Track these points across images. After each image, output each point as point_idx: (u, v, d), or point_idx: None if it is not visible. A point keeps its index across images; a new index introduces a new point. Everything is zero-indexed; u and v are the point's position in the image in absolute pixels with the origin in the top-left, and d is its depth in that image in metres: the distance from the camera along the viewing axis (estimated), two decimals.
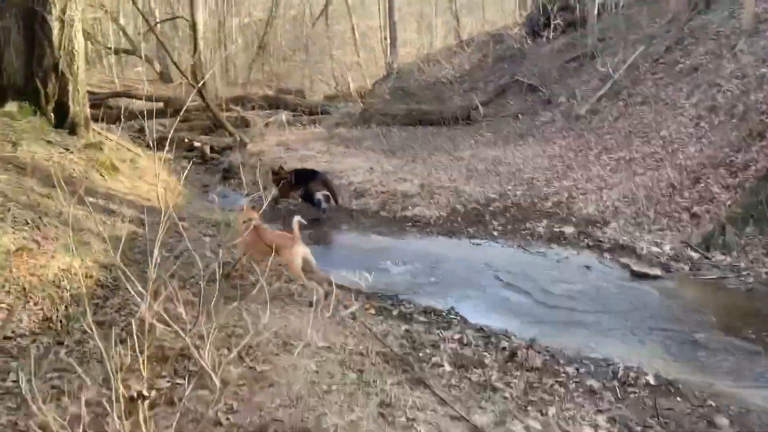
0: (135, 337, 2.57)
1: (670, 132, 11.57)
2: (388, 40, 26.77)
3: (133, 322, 2.69)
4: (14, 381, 3.87)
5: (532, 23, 21.23)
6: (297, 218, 6.20)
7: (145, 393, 2.23)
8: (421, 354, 5.08)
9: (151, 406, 3.65)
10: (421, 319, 6.18)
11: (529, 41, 20.73)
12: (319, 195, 10.48)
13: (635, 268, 7.69)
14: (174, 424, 2.68)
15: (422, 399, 4.20)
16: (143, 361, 2.58)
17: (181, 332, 2.61)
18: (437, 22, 29.91)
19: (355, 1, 31.78)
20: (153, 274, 2.78)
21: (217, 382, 2.47)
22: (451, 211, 10.55)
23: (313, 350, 4.73)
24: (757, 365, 5.42)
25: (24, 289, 4.85)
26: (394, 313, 6.22)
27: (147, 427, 2.41)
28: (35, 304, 4.79)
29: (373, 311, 6.05)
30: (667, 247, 8.20)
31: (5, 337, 4.28)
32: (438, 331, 5.76)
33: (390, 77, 23.02)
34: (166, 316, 2.66)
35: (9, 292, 4.72)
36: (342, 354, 4.76)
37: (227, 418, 3.65)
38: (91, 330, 2.52)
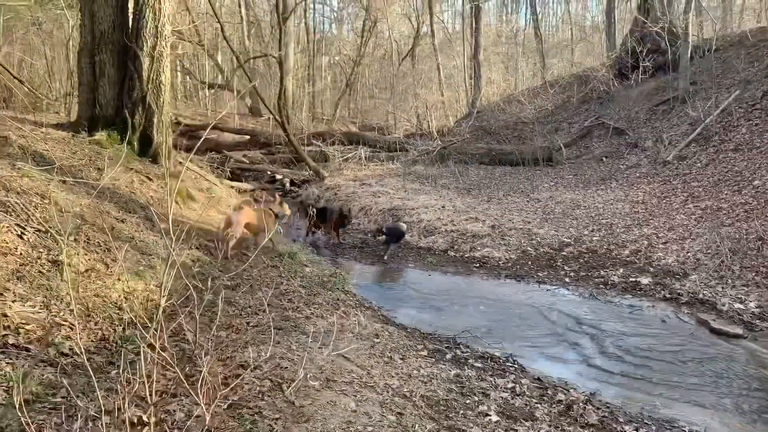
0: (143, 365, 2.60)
1: (763, 181, 10.86)
2: (472, 80, 26.83)
3: (141, 351, 2.72)
4: (63, 397, 4.02)
5: (620, 65, 20.74)
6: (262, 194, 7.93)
7: (146, 419, 2.23)
8: (468, 401, 4.88)
9: None
10: (476, 364, 5.96)
11: (616, 83, 20.22)
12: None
13: (714, 325, 7.15)
14: None
15: None
16: (150, 389, 2.60)
17: (177, 370, 2.60)
18: (523, 63, 29.71)
19: (442, 41, 32.13)
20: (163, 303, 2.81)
21: (207, 417, 2.44)
22: (522, 253, 10.27)
23: (355, 388, 4.65)
24: None
25: (87, 308, 5.06)
26: (448, 356, 6.04)
27: None
28: (95, 323, 4.98)
29: (425, 353, 5.89)
30: (752, 304, 7.59)
31: (62, 353, 4.46)
32: (491, 378, 5.53)
33: (471, 116, 23.00)
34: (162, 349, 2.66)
35: (72, 310, 4.94)
36: (384, 394, 4.65)
37: None
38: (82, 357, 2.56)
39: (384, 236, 10.73)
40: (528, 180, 15.87)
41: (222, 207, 9.70)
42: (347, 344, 5.67)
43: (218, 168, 14.63)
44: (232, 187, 13.24)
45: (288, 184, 17.28)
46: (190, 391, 2.71)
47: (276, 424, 3.96)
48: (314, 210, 11.56)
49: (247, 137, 20.07)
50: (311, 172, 17.09)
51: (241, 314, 5.98)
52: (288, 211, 9.03)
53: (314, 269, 7.95)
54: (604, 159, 16.62)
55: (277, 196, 9.02)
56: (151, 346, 2.59)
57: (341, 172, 17.33)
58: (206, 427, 2.69)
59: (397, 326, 6.86)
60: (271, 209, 8.47)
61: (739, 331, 6.99)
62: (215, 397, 2.81)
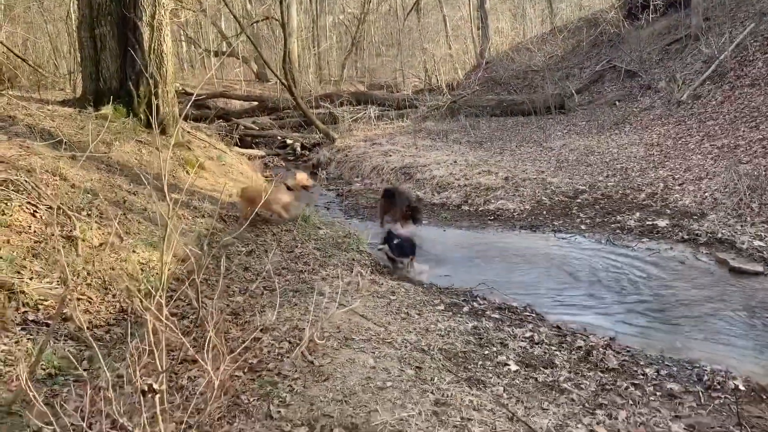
0: (150, 332, 2.61)
1: None
2: (480, 31, 26.30)
3: (147, 319, 2.72)
4: (86, 369, 4.10)
5: (629, 5, 20.16)
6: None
7: (156, 387, 2.25)
8: (486, 352, 4.90)
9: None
10: (494, 315, 5.96)
11: (626, 24, 19.69)
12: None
13: (734, 263, 7.07)
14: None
15: (480, 399, 4.05)
16: (159, 357, 2.61)
17: (181, 336, 2.61)
18: (531, 10, 29.00)
19: None
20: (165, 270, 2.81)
21: (216, 382, 2.45)
22: (537, 203, 10.18)
23: (373, 345, 4.68)
24: None
25: (104, 281, 5.12)
26: (465, 309, 6.04)
27: (162, 419, 2.44)
28: (113, 296, 5.04)
29: (442, 307, 5.90)
30: None
31: (79, 328, 4.52)
32: (509, 329, 5.54)
33: (480, 68, 22.63)
34: (169, 321, 2.67)
35: (90, 284, 4.99)
36: (402, 350, 4.68)
37: (278, 411, 3.68)
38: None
39: (391, 248, 7.48)
40: (540, 129, 15.65)
41: (234, 174, 9.69)
42: (363, 302, 5.70)
43: (227, 136, 14.59)
44: (242, 154, 13.20)
45: (299, 148, 17.21)
46: (197, 357, 2.73)
47: (296, 384, 4.00)
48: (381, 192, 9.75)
49: (255, 103, 19.93)
50: (321, 134, 16.99)
51: (256, 279, 6.02)
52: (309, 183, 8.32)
53: (328, 231, 7.96)
54: (616, 103, 16.31)
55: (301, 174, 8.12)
56: (157, 315, 2.60)
57: (351, 133, 17.20)
58: (215, 393, 2.72)
59: (413, 282, 6.87)
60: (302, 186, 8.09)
61: (759, 268, 6.91)
62: (224, 361, 2.82)
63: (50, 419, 2.54)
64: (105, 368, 2.51)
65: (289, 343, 4.65)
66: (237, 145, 14.37)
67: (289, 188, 7.88)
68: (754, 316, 5.99)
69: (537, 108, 17.31)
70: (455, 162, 12.50)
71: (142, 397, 2.21)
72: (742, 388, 4.49)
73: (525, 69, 20.87)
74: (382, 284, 6.35)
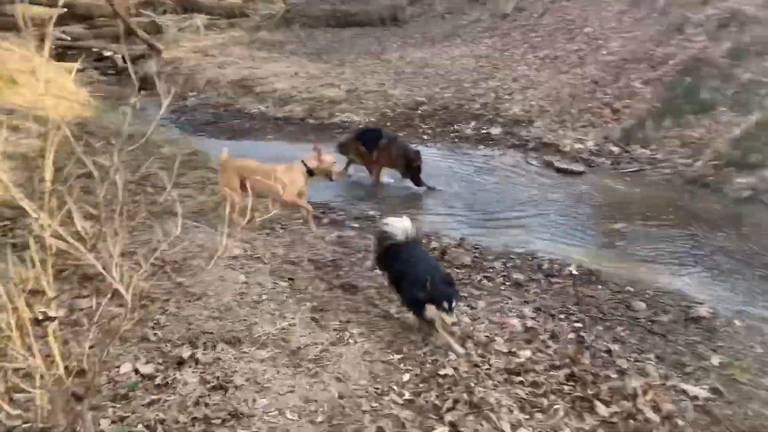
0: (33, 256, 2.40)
1: (594, 28, 11.62)
2: None
3: (30, 241, 2.50)
4: None
5: None
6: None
7: (51, 314, 2.09)
8: (353, 259, 5.08)
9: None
10: (354, 225, 6.15)
11: None
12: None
13: (559, 165, 7.87)
14: (87, 342, 2.56)
15: (354, 301, 4.23)
16: (48, 281, 2.43)
17: (82, 249, 2.44)
18: None
19: None
20: (48, 187, 2.57)
21: (128, 297, 2.35)
22: (381, 116, 10.38)
23: (242, 262, 4.64)
24: (673, 251, 5.73)
25: None
26: (325, 221, 6.16)
27: (58, 349, 2.30)
28: None
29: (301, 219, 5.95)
30: (590, 143, 8.39)
31: None
32: (370, 236, 5.75)
33: None
34: (63, 234, 2.48)
35: None
36: (272, 264, 4.70)
37: (154, 334, 3.57)
38: None
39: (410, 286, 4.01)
40: (377, 41, 15.70)
41: (55, 90, 8.68)
42: (221, 221, 5.57)
43: (36, 48, 12.89)
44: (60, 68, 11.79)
45: (120, 62, 15.72)
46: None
47: (168, 305, 3.89)
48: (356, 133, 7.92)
49: (64, 9, 17.70)
50: (145, 46, 15.62)
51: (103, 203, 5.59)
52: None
53: (172, 148, 7.53)
54: (446, 16, 16.74)
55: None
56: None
57: (179, 44, 16.02)
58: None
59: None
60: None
61: (581, 168, 7.76)
62: None
63: None
64: None
65: (152, 265, 4.45)
66: (51, 57, 12.78)
67: (310, 172, 5.60)
68: (579, 211, 6.78)
69: (371, 19, 17.25)
70: (296, 74, 12.25)
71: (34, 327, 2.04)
72: (575, 273, 5.14)
73: None
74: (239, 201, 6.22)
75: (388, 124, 9.96)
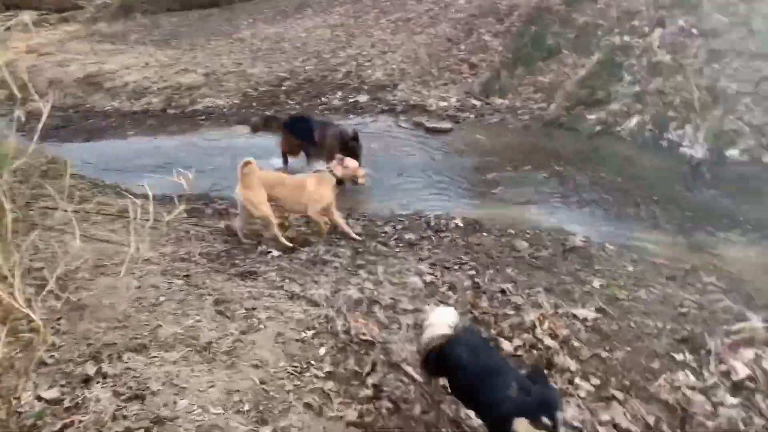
0: None
1: None
2: None
3: None
4: None
5: None
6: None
7: None
8: (246, 246, 5.04)
9: None
10: (238, 212, 6.04)
11: None
12: None
13: (428, 124, 8.14)
14: None
15: (257, 288, 4.22)
16: None
17: None
18: None
19: None
20: None
21: (38, 320, 2.24)
22: (244, 96, 10.14)
23: (130, 266, 4.45)
24: (543, 190, 6.20)
25: None
26: (208, 211, 6.02)
27: None
28: None
29: (185, 214, 5.77)
30: (453, 100, 8.74)
31: None
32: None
33: None
34: None
35: None
36: (163, 263, 4.56)
37: (51, 356, 3.39)
38: None
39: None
40: (227, 21, 15.20)
41: None
42: (99, 228, 5.30)
43: None
44: None
45: None
46: None
47: (59, 324, 3.68)
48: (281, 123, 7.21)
49: None
50: None
51: None
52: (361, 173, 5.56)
53: (26, 159, 6.94)
54: None
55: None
56: None
57: (7, 44, 14.60)
58: None
59: (142, 196, 6.51)
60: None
61: (448, 125, 8.07)
62: None
63: None
64: None
65: (30, 285, 4.17)
66: None
67: (339, 181, 5.29)
68: (453, 165, 7.10)
69: None
70: (147, 64, 11.63)
71: None
72: (461, 225, 5.42)
73: None
74: (112, 204, 5.93)
75: (254, 104, 9.78)
